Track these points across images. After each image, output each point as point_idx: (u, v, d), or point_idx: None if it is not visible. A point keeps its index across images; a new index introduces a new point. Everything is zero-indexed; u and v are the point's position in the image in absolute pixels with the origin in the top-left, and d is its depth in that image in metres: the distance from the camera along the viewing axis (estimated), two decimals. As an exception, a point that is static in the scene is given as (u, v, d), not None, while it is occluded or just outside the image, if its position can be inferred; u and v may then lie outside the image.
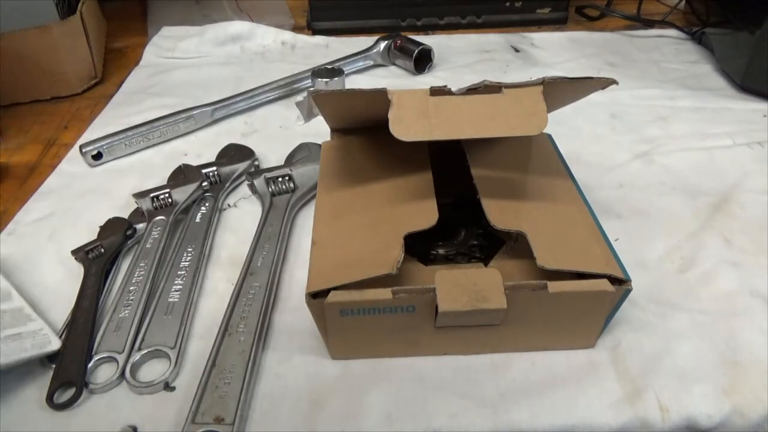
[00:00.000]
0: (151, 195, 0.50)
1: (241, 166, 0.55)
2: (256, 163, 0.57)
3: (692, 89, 0.70)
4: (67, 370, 0.37)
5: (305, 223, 0.50)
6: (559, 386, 0.36)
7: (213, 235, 0.49)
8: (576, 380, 0.37)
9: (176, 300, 0.42)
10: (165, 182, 0.54)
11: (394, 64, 0.77)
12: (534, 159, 0.45)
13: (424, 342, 0.37)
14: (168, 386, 0.37)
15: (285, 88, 0.70)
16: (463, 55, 0.80)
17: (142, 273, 0.44)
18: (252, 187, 0.53)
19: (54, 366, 0.37)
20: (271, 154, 0.59)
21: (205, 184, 0.52)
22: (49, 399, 0.35)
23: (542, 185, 0.42)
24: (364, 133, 0.46)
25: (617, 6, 0.91)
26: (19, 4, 0.67)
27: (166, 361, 0.38)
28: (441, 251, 0.42)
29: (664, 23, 0.86)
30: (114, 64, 0.81)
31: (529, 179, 0.42)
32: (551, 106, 0.38)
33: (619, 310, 0.37)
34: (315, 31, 0.87)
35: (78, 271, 0.45)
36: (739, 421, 0.35)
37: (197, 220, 0.49)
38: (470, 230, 0.44)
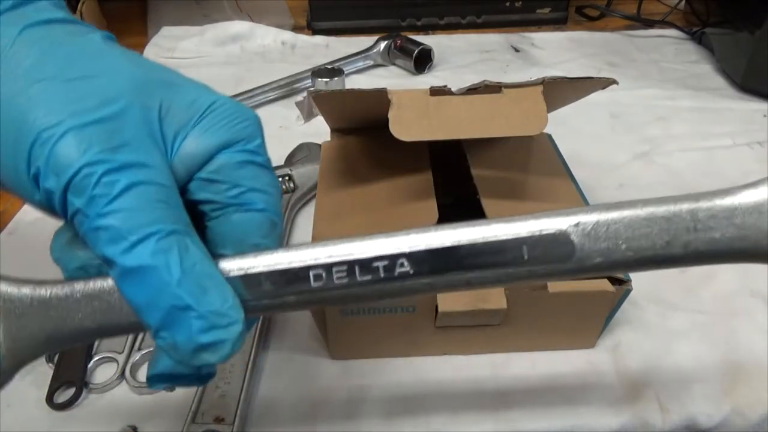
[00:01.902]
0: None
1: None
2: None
3: (692, 89, 0.70)
4: (67, 370, 0.37)
5: (305, 223, 0.50)
6: (559, 386, 0.36)
7: (213, 235, 0.48)
8: (576, 380, 0.37)
9: (176, 300, 0.41)
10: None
11: (394, 64, 0.77)
12: (534, 159, 0.45)
13: (424, 342, 0.37)
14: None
15: (285, 88, 0.70)
16: (463, 55, 0.80)
17: (142, 273, 0.43)
18: (252, 187, 0.52)
19: (54, 366, 0.37)
20: (271, 154, 0.58)
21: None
22: (49, 399, 0.35)
23: (542, 185, 0.42)
24: (364, 133, 0.46)
25: (617, 6, 0.91)
26: (19, 4, 0.67)
27: (166, 361, 0.38)
28: (441, 251, 0.42)
29: (664, 23, 0.86)
30: (114, 64, 0.81)
31: (529, 179, 0.42)
32: (551, 106, 0.38)
33: (619, 310, 0.37)
34: (315, 31, 0.87)
35: (78, 271, 0.45)
36: (739, 421, 0.35)
37: (197, 220, 0.49)
38: (470, 230, 0.44)
